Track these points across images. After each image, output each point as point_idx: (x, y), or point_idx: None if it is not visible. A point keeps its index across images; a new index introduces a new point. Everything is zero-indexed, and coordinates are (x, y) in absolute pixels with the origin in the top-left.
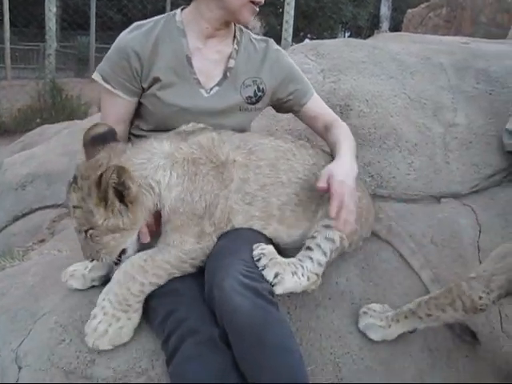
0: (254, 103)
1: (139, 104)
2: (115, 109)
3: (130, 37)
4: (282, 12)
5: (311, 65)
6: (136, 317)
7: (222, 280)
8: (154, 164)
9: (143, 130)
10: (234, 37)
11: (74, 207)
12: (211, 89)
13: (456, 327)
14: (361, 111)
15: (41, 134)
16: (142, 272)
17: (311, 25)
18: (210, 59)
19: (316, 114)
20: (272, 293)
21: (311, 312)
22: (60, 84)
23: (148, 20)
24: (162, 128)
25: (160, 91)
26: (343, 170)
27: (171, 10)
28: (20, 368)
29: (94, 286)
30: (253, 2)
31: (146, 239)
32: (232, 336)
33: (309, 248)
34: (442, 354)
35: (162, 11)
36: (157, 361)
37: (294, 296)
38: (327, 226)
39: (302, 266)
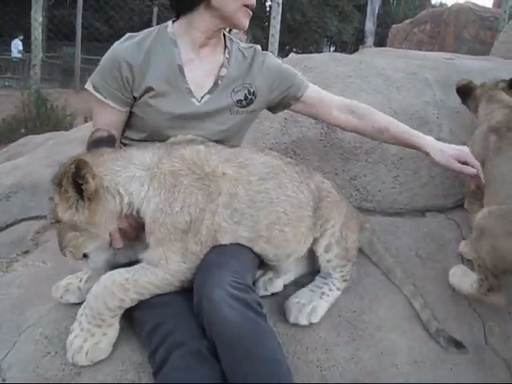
0: (244, 106)
1: (130, 113)
2: (106, 118)
3: (122, 47)
4: (268, 25)
5: None
6: (112, 331)
7: (211, 292)
8: (130, 174)
9: (134, 140)
10: (225, 46)
11: (50, 199)
12: (202, 97)
13: (440, 339)
14: None
15: (25, 144)
16: (123, 290)
17: (297, 39)
18: (202, 69)
19: (321, 97)
20: (260, 304)
21: (297, 325)
22: (45, 94)
23: (140, 32)
24: (154, 137)
25: (152, 99)
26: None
27: (157, 21)
28: (4, 380)
29: None
30: (246, 6)
31: (119, 244)
32: (221, 348)
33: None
34: (427, 367)
35: (148, 23)
36: (143, 373)
37: (280, 309)
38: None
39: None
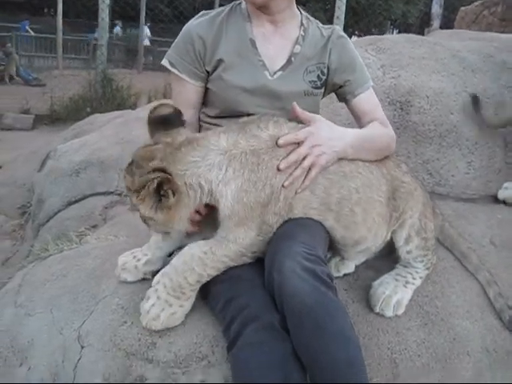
0: (318, 87)
1: (206, 90)
2: (183, 93)
3: (195, 23)
4: (331, 8)
5: (371, 60)
6: (188, 304)
7: (282, 263)
8: (209, 162)
9: (210, 117)
10: (302, 24)
11: (127, 187)
12: (275, 72)
13: None
14: (421, 108)
15: (92, 122)
16: (202, 264)
17: (360, 22)
18: (274, 44)
19: (365, 110)
20: (331, 277)
21: (369, 306)
22: (110, 74)
23: (215, 9)
24: (228, 113)
25: (224, 73)
26: (331, 132)
27: (220, 3)
28: (82, 347)
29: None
30: None
31: (192, 230)
32: (290, 319)
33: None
34: (500, 356)
35: (211, 4)
36: (217, 347)
37: (351, 290)
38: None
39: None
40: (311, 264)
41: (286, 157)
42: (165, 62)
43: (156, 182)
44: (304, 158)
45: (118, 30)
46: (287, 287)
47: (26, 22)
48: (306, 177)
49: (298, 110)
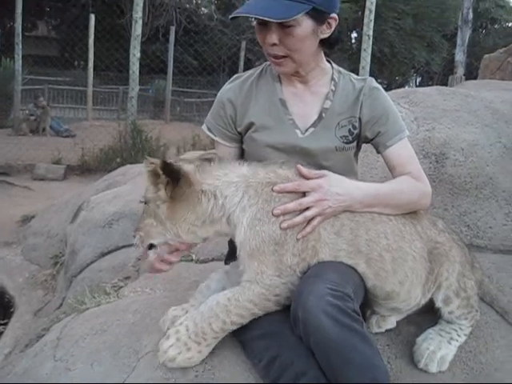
0: (350, 142)
1: (242, 150)
2: (222, 154)
3: (227, 88)
4: (353, 56)
5: (404, 112)
6: (206, 350)
7: (306, 300)
8: (228, 179)
9: None
10: (332, 79)
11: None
12: (306, 130)
13: None
14: (456, 160)
15: (124, 173)
16: (226, 311)
17: (384, 70)
18: (305, 101)
19: (397, 163)
20: (357, 312)
21: (412, 363)
22: (140, 126)
23: (247, 71)
24: None
25: (255, 133)
26: (340, 187)
27: (245, 56)
28: None
29: None
30: (269, 54)
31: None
32: (317, 355)
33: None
34: None
35: (237, 56)
36: None
37: (393, 345)
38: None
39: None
40: (336, 300)
41: (286, 204)
42: (204, 128)
43: (149, 170)
44: (307, 208)
45: None
46: (311, 323)
47: (150, 87)
48: (308, 224)
49: (304, 170)
